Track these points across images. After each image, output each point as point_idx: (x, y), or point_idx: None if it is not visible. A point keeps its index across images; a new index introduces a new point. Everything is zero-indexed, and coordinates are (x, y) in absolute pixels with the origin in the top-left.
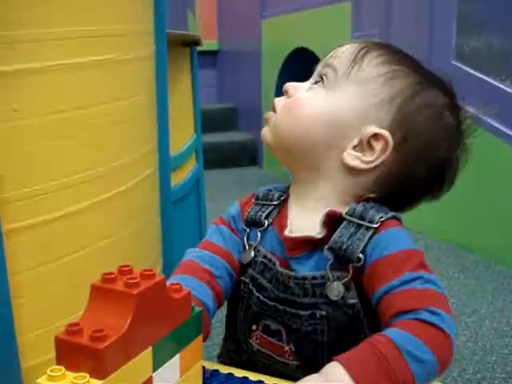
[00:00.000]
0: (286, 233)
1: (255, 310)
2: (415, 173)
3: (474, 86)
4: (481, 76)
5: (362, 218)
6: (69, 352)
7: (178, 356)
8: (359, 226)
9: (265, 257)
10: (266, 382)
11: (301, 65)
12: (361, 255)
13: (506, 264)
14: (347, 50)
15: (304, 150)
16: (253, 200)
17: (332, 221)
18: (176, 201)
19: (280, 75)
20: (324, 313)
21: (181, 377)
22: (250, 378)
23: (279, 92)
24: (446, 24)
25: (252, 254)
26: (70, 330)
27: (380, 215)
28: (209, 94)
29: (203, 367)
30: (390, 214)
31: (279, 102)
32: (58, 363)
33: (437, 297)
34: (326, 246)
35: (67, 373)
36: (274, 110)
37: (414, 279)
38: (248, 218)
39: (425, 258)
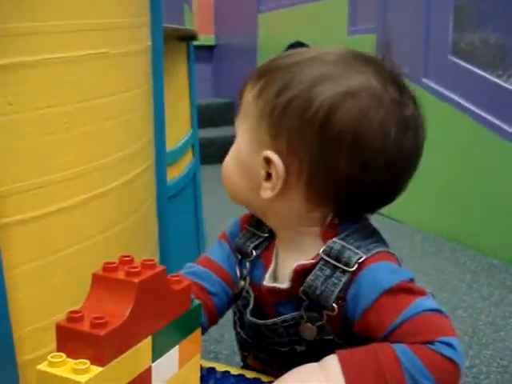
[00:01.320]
0: (264, 282)
1: (243, 338)
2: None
3: (471, 81)
4: (477, 71)
5: (337, 258)
6: (70, 339)
7: (177, 347)
8: (335, 267)
9: (247, 292)
10: (262, 379)
11: None
12: (334, 305)
13: (502, 259)
14: None
15: (240, 200)
16: (246, 225)
17: (301, 273)
18: (172, 196)
19: None
20: (303, 348)
21: (179, 369)
22: (247, 376)
23: None
24: (442, 19)
25: (242, 284)
26: (71, 317)
27: (358, 257)
28: (205, 89)
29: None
30: (374, 250)
31: None
32: (59, 350)
33: (444, 323)
34: (301, 289)
35: (68, 359)
36: None
37: (414, 313)
38: (237, 246)
39: (411, 281)
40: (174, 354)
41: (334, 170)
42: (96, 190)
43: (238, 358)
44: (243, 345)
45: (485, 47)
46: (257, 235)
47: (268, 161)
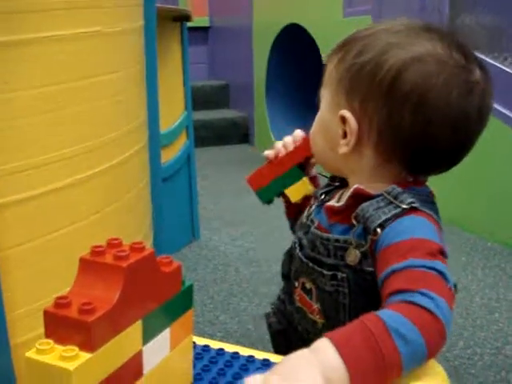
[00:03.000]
0: (328, 202)
1: (297, 267)
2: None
3: None
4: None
5: (395, 197)
6: (57, 325)
7: (168, 330)
8: (390, 203)
9: (312, 221)
10: (256, 356)
11: (292, 41)
12: (378, 229)
13: (497, 241)
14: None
15: (322, 161)
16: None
17: (359, 197)
18: (167, 178)
19: (272, 52)
20: (344, 275)
21: (171, 350)
22: (241, 354)
23: (271, 68)
24: (438, 0)
25: (304, 219)
26: (58, 303)
27: (412, 200)
28: (200, 71)
29: (194, 342)
30: (428, 210)
31: None
32: (47, 336)
33: (435, 281)
34: (353, 214)
35: (56, 346)
36: None
37: (416, 265)
38: (316, 193)
39: (440, 250)
40: (165, 336)
41: (400, 127)
42: (89, 171)
43: (232, 340)
44: (296, 273)
45: (481, 29)
46: (330, 185)
47: (344, 119)
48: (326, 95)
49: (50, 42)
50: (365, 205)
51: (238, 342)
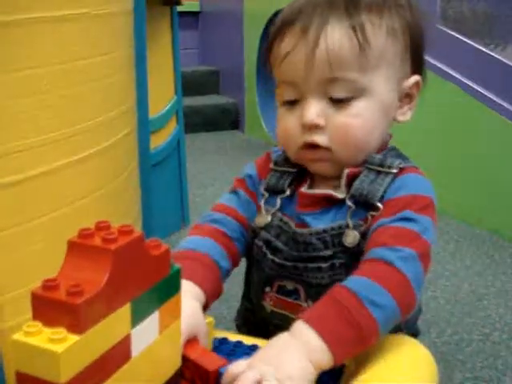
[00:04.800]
0: (304, 189)
1: (268, 272)
2: None
3: (459, 50)
4: (466, 40)
5: (381, 165)
6: (45, 307)
7: (156, 313)
8: (378, 172)
9: (281, 220)
10: (244, 342)
11: None
12: (379, 204)
13: (485, 228)
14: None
15: (371, 146)
16: (271, 165)
17: (351, 179)
18: (156, 163)
19: (262, 37)
20: (343, 260)
21: (159, 334)
22: (229, 339)
23: (262, 55)
24: None
25: (269, 218)
26: (46, 286)
27: (398, 161)
28: (190, 56)
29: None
30: (409, 162)
31: None
32: (35, 319)
33: (413, 238)
34: (348, 195)
35: (44, 328)
36: None
37: (403, 219)
38: (269, 186)
39: (432, 205)
40: (153, 319)
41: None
42: (76, 155)
43: (221, 326)
44: (268, 278)
45: (473, 16)
46: (287, 172)
47: (418, 84)
48: (381, 76)
49: (35, 23)
50: (357, 184)
51: (227, 328)
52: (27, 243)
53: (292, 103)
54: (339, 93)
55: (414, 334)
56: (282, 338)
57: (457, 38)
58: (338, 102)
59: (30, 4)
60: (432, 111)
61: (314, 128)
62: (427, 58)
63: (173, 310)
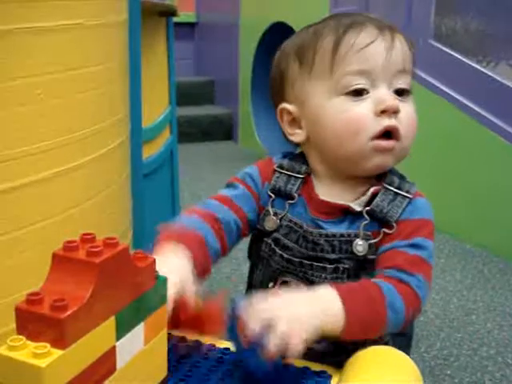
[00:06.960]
0: (323, 197)
1: (275, 267)
2: None
3: (451, 66)
4: (458, 56)
5: (399, 187)
6: (29, 321)
7: (142, 325)
8: (396, 194)
9: (290, 221)
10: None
11: (279, 39)
12: (395, 224)
13: (475, 243)
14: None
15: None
16: (275, 167)
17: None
18: (149, 173)
19: (258, 49)
20: (347, 266)
21: (145, 345)
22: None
23: (257, 65)
24: (424, 3)
25: (278, 222)
26: (30, 300)
27: (414, 188)
28: (186, 67)
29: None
30: (412, 184)
31: None
32: (19, 333)
33: (425, 266)
34: (366, 210)
35: (28, 342)
36: None
37: (415, 245)
38: (276, 189)
39: (434, 228)
40: (139, 331)
41: None
42: (68, 164)
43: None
44: (273, 273)
45: (466, 33)
46: (294, 177)
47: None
48: (409, 80)
49: (29, 33)
50: (377, 201)
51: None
52: (17, 252)
53: (359, 93)
54: (405, 84)
55: (402, 333)
56: (304, 294)
57: (450, 54)
58: (400, 95)
59: (25, 14)
60: (423, 127)
61: (395, 113)
62: (420, 72)
63: (158, 321)
